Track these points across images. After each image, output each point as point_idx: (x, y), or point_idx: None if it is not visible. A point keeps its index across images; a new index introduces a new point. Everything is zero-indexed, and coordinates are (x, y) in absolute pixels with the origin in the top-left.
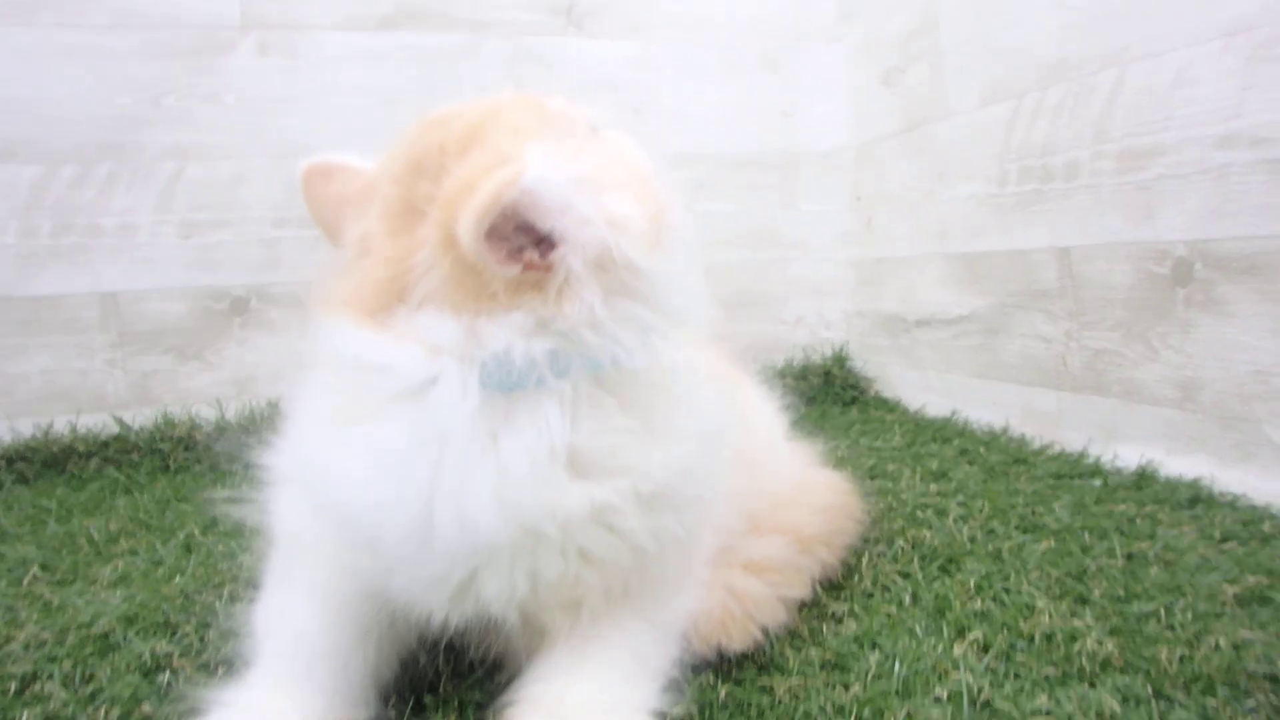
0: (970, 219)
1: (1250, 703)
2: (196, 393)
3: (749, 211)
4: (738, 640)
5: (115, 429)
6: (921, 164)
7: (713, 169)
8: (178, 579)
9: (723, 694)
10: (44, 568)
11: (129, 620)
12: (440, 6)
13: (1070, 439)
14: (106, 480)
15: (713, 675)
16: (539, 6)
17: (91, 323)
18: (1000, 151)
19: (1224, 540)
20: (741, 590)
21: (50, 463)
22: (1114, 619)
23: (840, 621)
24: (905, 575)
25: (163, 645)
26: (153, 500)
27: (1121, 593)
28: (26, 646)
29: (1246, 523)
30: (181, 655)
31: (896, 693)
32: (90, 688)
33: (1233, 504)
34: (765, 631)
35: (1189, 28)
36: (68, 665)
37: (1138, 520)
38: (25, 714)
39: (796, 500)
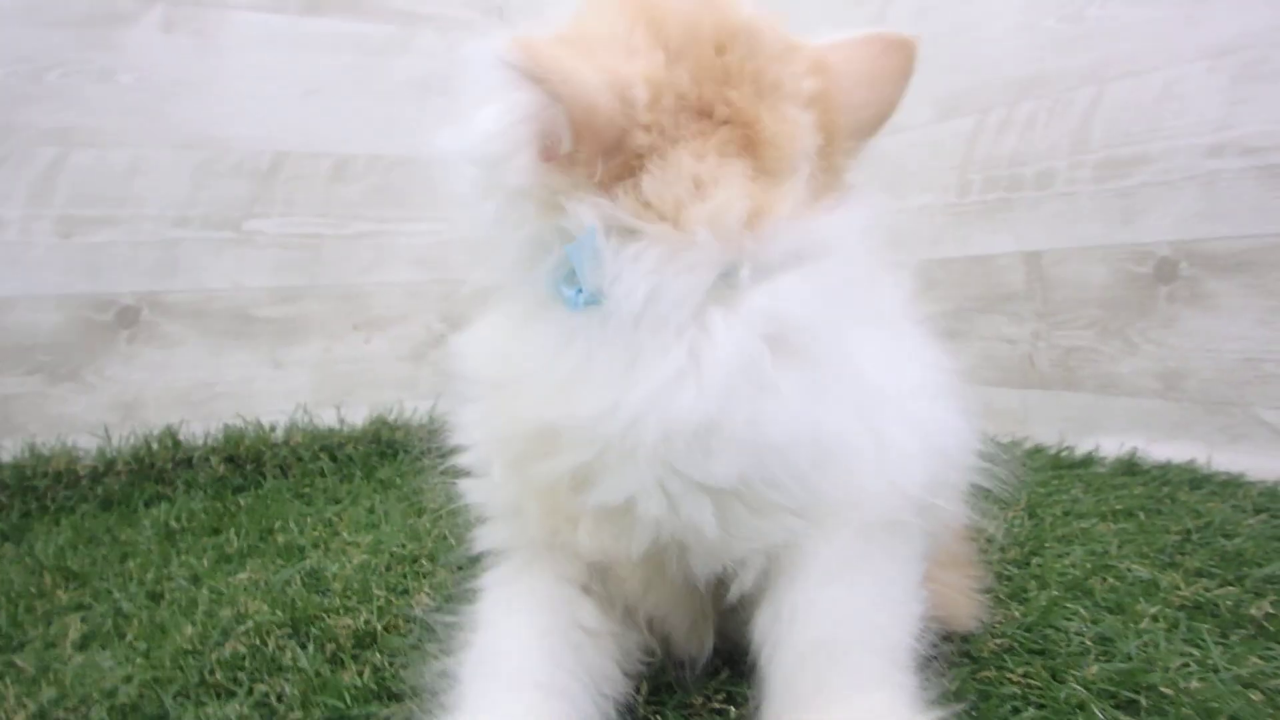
0: (924, 229)
1: None
2: (70, 420)
3: None
4: (967, 622)
5: None
6: (866, 177)
7: None
8: (189, 631)
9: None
10: None
11: (159, 683)
12: None
13: (1041, 434)
14: None
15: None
16: (472, 4)
17: None
18: (961, 163)
19: (1257, 513)
20: (949, 582)
21: None
22: (1245, 584)
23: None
24: (1005, 559)
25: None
26: (52, 546)
27: (1223, 560)
28: None
29: (1269, 497)
30: None
31: (1142, 670)
32: None
33: (1237, 482)
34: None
35: (1171, 49)
36: None
37: (1165, 500)
38: None
39: None
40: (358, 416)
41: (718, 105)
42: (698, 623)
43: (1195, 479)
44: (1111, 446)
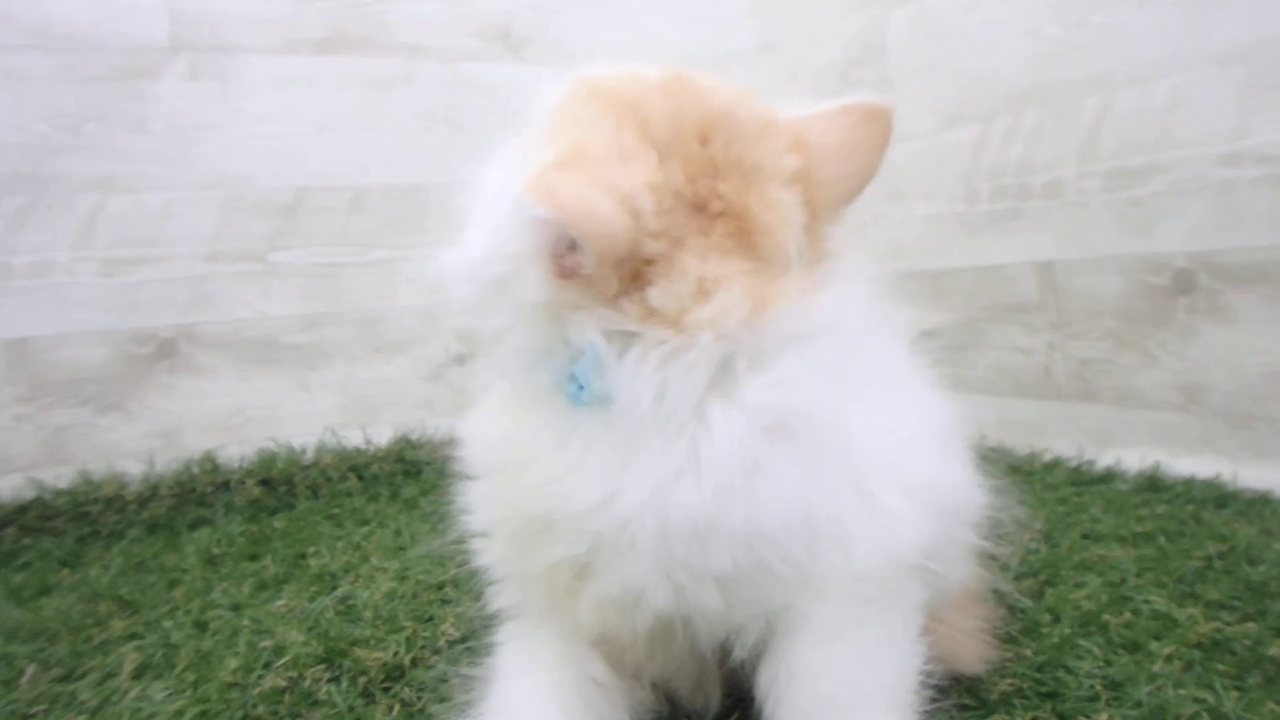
0: (932, 238)
1: None
2: (117, 447)
3: None
4: (973, 665)
5: (28, 493)
6: (870, 186)
7: None
8: (232, 664)
9: None
10: (42, 665)
11: (206, 718)
12: (378, 32)
13: (1059, 446)
14: (35, 552)
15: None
16: (477, 33)
17: None
18: (968, 172)
19: None
20: (956, 623)
21: None
22: (1267, 619)
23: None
24: (1020, 590)
25: None
26: (106, 576)
27: (1245, 590)
28: None
29: None
30: None
31: (1153, 718)
32: None
33: (1265, 500)
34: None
35: (1178, 56)
36: None
37: (1188, 521)
38: None
39: None
40: (382, 436)
41: (711, 199)
42: (703, 681)
43: (1220, 497)
44: (1133, 460)
